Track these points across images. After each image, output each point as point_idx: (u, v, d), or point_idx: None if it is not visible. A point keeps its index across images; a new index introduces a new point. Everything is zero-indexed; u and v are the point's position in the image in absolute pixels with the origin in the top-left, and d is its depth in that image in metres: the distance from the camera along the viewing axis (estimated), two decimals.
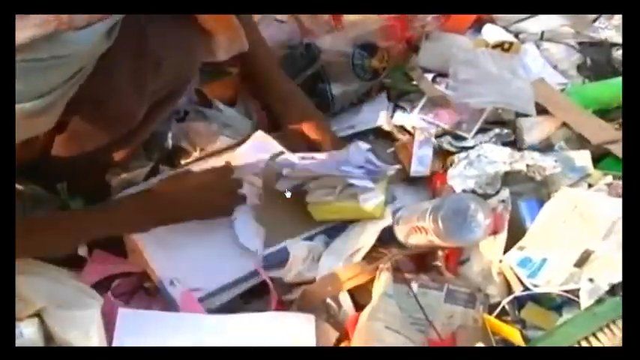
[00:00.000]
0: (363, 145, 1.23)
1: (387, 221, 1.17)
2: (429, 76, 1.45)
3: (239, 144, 1.30)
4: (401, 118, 1.40)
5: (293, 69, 1.39)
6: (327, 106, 1.40)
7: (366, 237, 1.15)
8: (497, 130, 1.35)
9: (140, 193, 1.15)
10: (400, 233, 1.15)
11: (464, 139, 1.34)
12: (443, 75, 1.45)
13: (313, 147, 1.29)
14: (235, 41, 1.10)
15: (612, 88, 1.42)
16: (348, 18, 1.48)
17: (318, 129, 1.31)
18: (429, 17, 1.53)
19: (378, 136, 1.39)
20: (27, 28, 0.74)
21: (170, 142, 1.28)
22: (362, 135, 1.38)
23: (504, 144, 1.33)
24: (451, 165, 1.27)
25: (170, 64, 0.95)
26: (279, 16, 1.52)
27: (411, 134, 1.36)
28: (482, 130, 1.36)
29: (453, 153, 1.31)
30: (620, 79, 1.40)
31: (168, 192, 1.13)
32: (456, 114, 1.38)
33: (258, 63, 1.33)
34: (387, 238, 1.16)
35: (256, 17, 1.47)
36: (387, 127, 1.39)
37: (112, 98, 0.94)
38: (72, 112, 0.94)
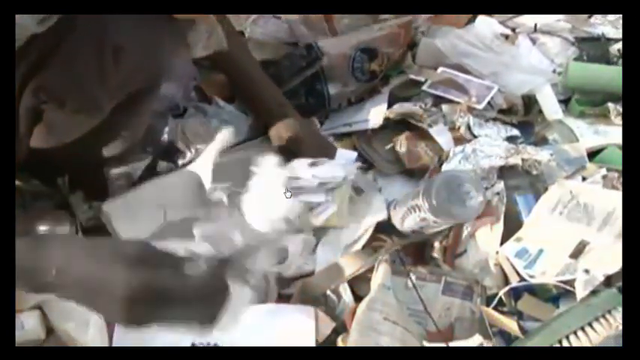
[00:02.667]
0: (305, 161, 1.20)
1: (382, 214, 1.18)
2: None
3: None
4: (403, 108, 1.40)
5: (292, 68, 1.40)
6: (322, 106, 1.41)
7: (361, 229, 1.16)
8: (502, 128, 1.37)
9: None
10: (396, 217, 1.16)
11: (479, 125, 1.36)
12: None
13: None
14: (213, 36, 1.09)
15: (612, 72, 1.45)
16: (351, 22, 1.49)
17: (302, 135, 1.30)
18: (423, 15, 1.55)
19: (376, 132, 1.40)
20: None
21: (166, 136, 1.29)
22: (359, 132, 1.39)
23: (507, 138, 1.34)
24: (446, 159, 1.28)
25: (132, 52, 0.93)
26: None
27: (411, 129, 1.37)
28: (492, 120, 1.39)
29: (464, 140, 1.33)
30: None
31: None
32: (464, 92, 1.41)
33: (239, 68, 1.33)
34: (385, 229, 1.17)
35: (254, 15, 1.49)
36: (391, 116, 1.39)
37: (74, 88, 0.94)
38: (41, 102, 0.94)
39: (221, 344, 1.05)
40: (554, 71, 1.52)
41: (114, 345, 1.02)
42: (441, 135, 1.34)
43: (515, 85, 1.45)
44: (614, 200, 1.13)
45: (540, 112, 1.43)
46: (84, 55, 0.89)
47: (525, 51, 1.55)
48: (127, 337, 1.03)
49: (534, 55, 1.55)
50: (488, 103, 1.40)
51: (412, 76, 1.48)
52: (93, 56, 0.90)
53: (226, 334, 1.05)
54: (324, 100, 1.41)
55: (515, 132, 1.36)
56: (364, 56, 1.41)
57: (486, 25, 1.58)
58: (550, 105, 1.43)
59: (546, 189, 1.21)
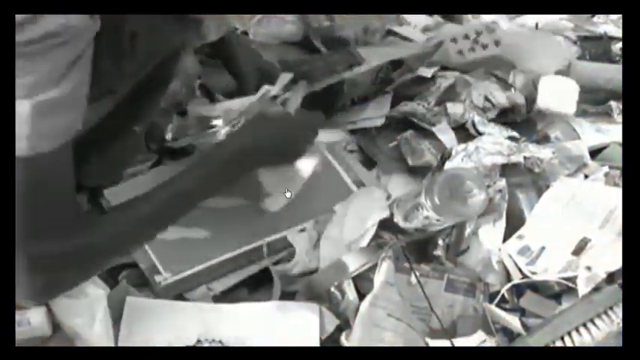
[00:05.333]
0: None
1: (385, 212, 1.18)
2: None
3: None
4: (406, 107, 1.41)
5: (325, 69, 1.37)
6: (333, 101, 1.42)
7: (365, 225, 1.16)
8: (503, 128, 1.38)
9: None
10: (399, 215, 1.17)
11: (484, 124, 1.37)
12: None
13: None
14: (223, 21, 1.10)
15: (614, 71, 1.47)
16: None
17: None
18: None
19: (380, 130, 1.41)
20: None
21: (170, 134, 1.30)
22: (363, 130, 1.40)
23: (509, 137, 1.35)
24: (449, 157, 1.28)
25: (145, 40, 0.94)
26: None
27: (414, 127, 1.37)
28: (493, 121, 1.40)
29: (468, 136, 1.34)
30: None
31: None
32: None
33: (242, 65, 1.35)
34: (388, 227, 1.18)
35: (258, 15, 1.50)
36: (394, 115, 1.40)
37: (92, 75, 0.94)
38: None
39: (225, 341, 1.06)
40: None
41: (119, 341, 1.03)
42: (444, 133, 1.34)
43: (541, 69, 1.46)
44: (615, 198, 1.14)
45: (540, 111, 1.43)
46: (103, 42, 0.89)
47: None
48: (132, 334, 1.03)
49: None
50: (491, 102, 1.40)
51: (419, 73, 1.48)
52: (111, 45, 0.90)
53: (231, 331, 1.06)
54: (335, 95, 1.40)
55: (515, 134, 1.36)
56: (390, 66, 1.42)
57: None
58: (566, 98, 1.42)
59: (548, 187, 1.22)
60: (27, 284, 0.80)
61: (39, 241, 0.79)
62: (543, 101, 1.41)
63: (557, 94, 1.41)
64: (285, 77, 1.21)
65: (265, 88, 1.19)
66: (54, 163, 0.79)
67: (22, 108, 0.74)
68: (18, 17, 0.73)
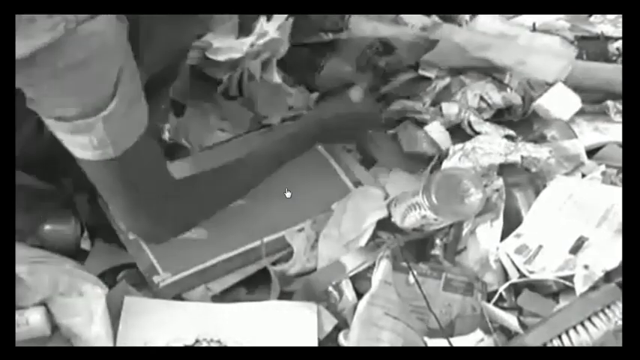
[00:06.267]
0: None
1: (383, 212, 1.19)
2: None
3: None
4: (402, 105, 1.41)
5: (315, 25, 1.40)
6: (312, 70, 1.41)
7: (363, 225, 1.17)
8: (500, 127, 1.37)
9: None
10: (396, 215, 1.17)
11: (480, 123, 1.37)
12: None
13: None
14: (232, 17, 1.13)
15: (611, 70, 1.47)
16: None
17: None
18: None
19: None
20: (38, 36, 0.76)
21: (167, 134, 1.30)
22: None
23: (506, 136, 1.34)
24: (446, 157, 1.28)
25: (161, 34, 0.96)
26: None
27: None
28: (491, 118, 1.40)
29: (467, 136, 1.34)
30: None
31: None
32: None
33: None
34: (386, 227, 1.18)
35: None
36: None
37: None
38: None
39: (224, 341, 1.06)
40: None
41: (118, 341, 1.03)
42: (437, 133, 1.34)
43: (542, 71, 1.46)
44: (612, 196, 1.14)
45: (535, 112, 1.43)
46: None
47: None
48: (130, 333, 1.04)
49: None
50: (487, 103, 1.40)
51: (421, 72, 1.47)
52: (131, 44, 0.92)
53: (230, 331, 1.07)
54: (314, 70, 1.40)
55: (512, 133, 1.37)
56: (380, 49, 1.42)
57: (486, 22, 1.59)
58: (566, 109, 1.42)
59: (545, 186, 1.22)
60: (157, 236, 1.05)
61: (156, 208, 0.98)
62: (545, 103, 1.41)
63: (561, 103, 1.42)
64: (280, 17, 1.29)
65: (261, 26, 1.23)
66: (140, 151, 0.90)
67: (96, 124, 0.84)
68: (51, 37, 0.76)
